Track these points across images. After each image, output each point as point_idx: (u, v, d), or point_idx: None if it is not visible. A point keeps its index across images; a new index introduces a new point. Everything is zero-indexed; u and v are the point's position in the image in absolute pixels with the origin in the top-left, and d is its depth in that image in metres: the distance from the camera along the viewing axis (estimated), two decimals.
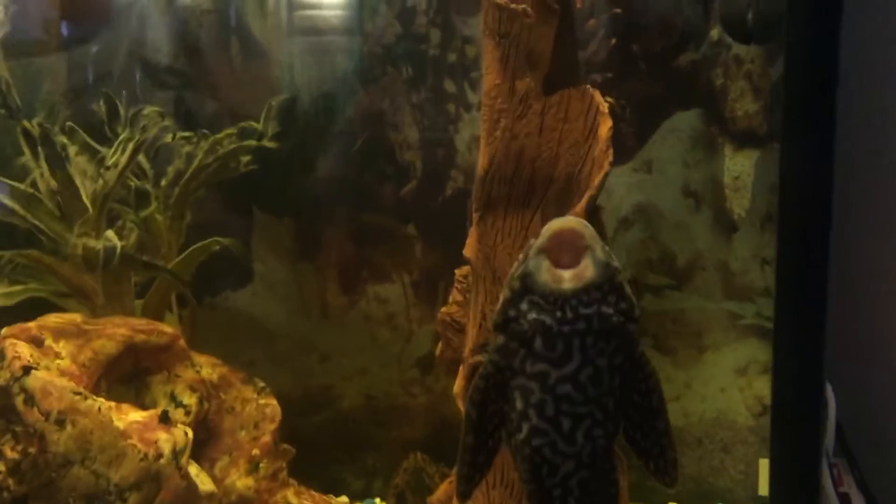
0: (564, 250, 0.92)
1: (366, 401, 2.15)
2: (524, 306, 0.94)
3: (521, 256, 0.96)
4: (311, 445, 1.94)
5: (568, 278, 0.92)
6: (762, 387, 1.85)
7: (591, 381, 0.94)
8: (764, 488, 1.80)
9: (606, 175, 1.22)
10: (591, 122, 1.26)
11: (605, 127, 1.24)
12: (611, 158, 1.22)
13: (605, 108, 1.25)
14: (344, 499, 2.08)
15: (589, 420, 0.96)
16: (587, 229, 0.92)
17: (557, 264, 0.92)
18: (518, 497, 1.32)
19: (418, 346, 2.11)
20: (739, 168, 1.81)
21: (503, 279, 1.35)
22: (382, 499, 2.08)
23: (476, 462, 0.99)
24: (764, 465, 1.79)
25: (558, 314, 0.92)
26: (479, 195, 1.32)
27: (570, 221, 0.93)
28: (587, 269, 0.92)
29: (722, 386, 1.89)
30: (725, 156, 1.82)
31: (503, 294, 0.96)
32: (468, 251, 1.38)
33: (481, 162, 1.32)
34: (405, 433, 2.13)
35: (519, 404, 0.96)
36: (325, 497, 1.87)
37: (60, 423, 1.42)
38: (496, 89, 1.28)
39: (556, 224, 0.93)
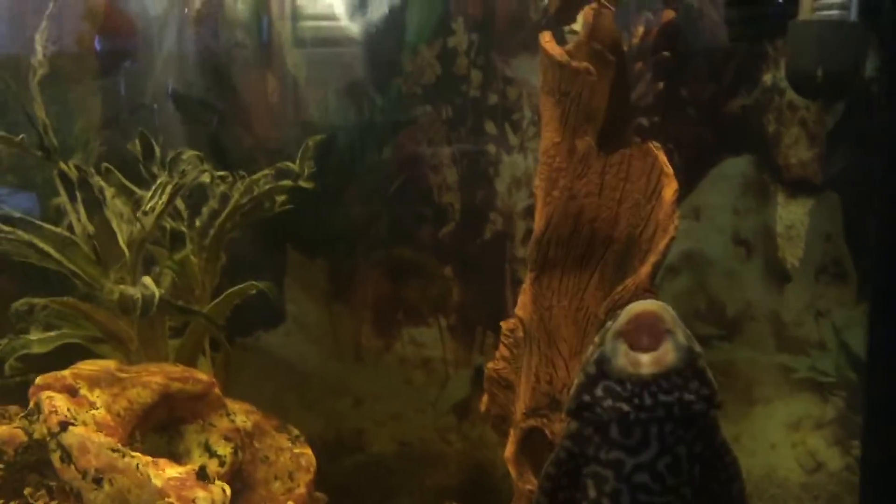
0: (643, 334, 0.88)
1: (399, 447, 2.10)
2: (599, 392, 0.89)
3: (596, 339, 0.91)
4: (341, 491, 1.89)
5: (647, 363, 0.87)
6: (815, 443, 1.79)
7: (670, 469, 0.90)
8: None
9: (672, 240, 1.17)
10: (655, 182, 1.22)
11: (670, 189, 1.19)
12: (676, 223, 1.18)
13: (669, 169, 1.21)
14: None
15: None
16: (668, 313, 0.88)
17: (636, 348, 0.88)
18: None
19: (454, 391, 2.06)
20: (793, 217, 1.75)
21: (559, 342, 1.30)
22: None
23: None
24: None
25: (636, 401, 0.88)
26: (535, 256, 1.27)
27: (650, 304, 0.88)
28: (668, 354, 0.87)
29: (773, 441, 1.83)
30: (778, 204, 1.76)
31: (577, 378, 0.91)
32: (521, 311, 1.34)
33: (537, 222, 1.27)
34: (440, 481, 2.07)
35: (592, 493, 0.91)
36: None
37: (98, 481, 1.37)
38: (555, 148, 1.24)
39: (635, 307, 0.88)
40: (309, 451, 1.79)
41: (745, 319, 1.82)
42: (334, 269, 2.08)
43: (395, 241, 2.05)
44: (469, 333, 2.04)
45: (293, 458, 1.78)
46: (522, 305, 1.33)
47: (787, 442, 1.81)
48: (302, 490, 1.75)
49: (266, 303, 2.11)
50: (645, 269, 1.17)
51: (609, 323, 0.90)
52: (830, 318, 1.75)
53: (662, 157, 1.21)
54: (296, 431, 1.80)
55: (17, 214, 1.70)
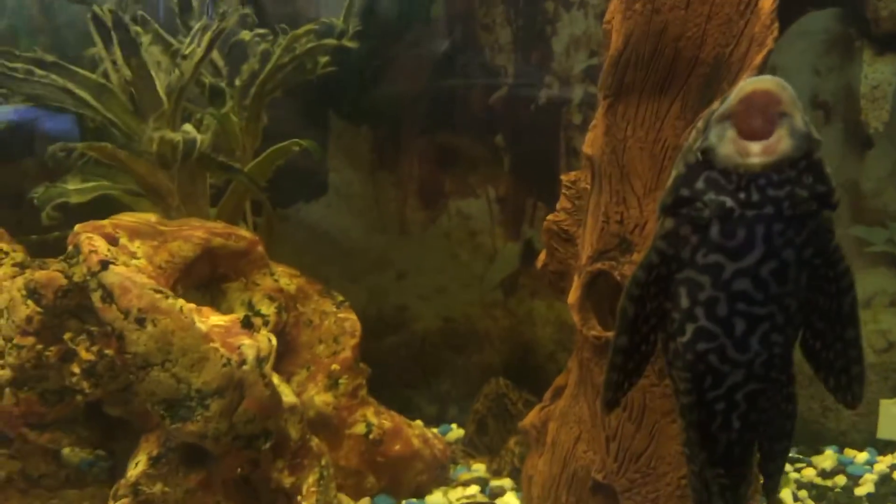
0: (755, 117, 0.77)
1: (443, 323, 2.04)
2: (700, 185, 0.79)
3: (699, 124, 0.81)
4: (383, 367, 1.83)
5: (757, 151, 0.77)
6: (888, 321, 1.69)
7: (775, 276, 0.80)
8: (884, 431, 1.64)
9: (769, 53, 1.06)
10: None
11: None
12: (775, 34, 1.06)
13: None
14: (419, 423, 1.99)
15: (767, 323, 0.81)
16: (786, 92, 0.77)
17: (745, 135, 0.77)
18: (638, 420, 1.20)
19: (502, 265, 1.98)
20: (880, 76, 1.61)
21: (632, 177, 1.20)
22: (459, 425, 1.99)
23: (626, 367, 0.86)
24: (886, 405, 1.64)
25: (741, 196, 0.78)
26: (610, 80, 1.16)
27: (765, 82, 0.77)
28: (781, 141, 0.77)
29: None
30: (864, 62, 1.62)
31: (675, 170, 0.81)
32: (589, 147, 1.23)
33: (614, 40, 1.16)
34: (485, 358, 2.01)
35: (684, 301, 0.82)
36: (403, 419, 1.77)
37: (140, 321, 1.31)
38: None
39: (747, 85, 0.77)
40: (353, 315, 1.73)
41: None
42: (379, 138, 1.99)
43: (443, 108, 1.95)
44: (519, 206, 1.94)
45: (338, 322, 1.72)
46: (591, 142, 1.23)
47: None
48: (347, 354, 1.70)
49: (307, 173, 2.03)
50: None
51: (716, 104, 0.79)
52: None
53: None
54: (340, 297, 1.74)
55: (51, 59, 1.62)
